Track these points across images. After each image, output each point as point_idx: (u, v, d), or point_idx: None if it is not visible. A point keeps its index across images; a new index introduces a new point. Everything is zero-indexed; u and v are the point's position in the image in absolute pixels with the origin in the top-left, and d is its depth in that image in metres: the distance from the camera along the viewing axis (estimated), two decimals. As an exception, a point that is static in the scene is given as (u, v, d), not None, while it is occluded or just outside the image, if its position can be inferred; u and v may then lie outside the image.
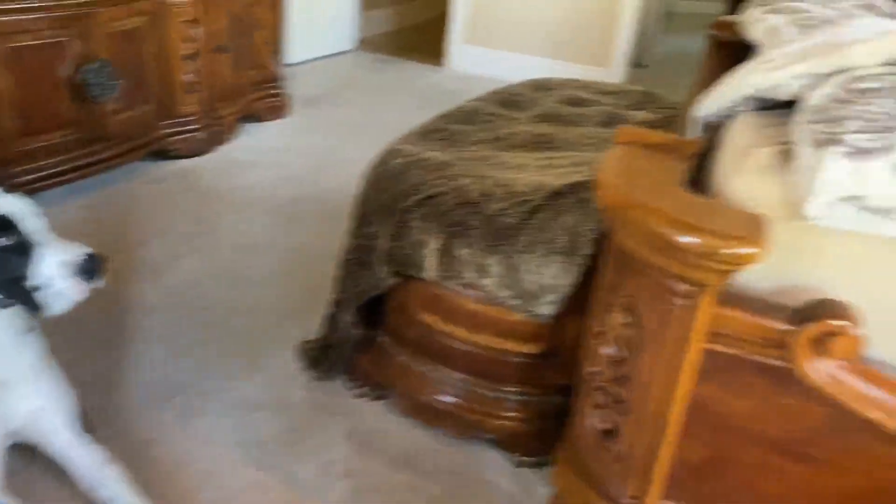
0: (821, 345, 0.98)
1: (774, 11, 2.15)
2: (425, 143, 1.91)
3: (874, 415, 0.99)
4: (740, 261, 0.96)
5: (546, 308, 1.57)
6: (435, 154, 1.81)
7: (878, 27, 1.49)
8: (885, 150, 1.00)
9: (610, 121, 2.19)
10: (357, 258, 1.79)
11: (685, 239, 0.97)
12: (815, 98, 1.20)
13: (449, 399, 1.77)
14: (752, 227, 0.98)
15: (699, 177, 1.32)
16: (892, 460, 1.03)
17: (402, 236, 1.66)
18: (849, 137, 1.02)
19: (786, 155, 1.19)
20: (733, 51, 2.46)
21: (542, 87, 2.49)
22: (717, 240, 0.95)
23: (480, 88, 2.63)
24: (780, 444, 1.08)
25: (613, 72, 4.60)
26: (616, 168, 1.17)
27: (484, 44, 4.91)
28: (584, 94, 2.41)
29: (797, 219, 1.07)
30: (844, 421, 1.02)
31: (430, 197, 1.64)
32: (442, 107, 2.28)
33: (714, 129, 1.58)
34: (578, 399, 1.29)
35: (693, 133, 1.59)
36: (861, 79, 1.21)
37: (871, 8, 2.39)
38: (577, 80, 2.63)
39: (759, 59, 1.50)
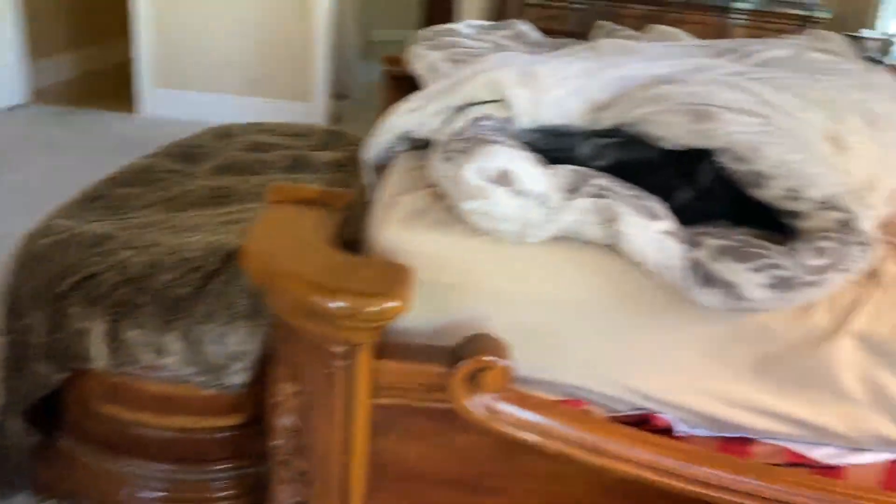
0: (475, 381, 1.01)
1: (435, 47, 2.27)
2: (84, 214, 1.72)
3: (533, 438, 1.04)
4: (385, 316, 0.95)
5: (237, 377, 1.48)
6: (93, 226, 1.63)
7: (506, 60, 1.62)
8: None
9: (295, 165, 2.16)
10: (13, 357, 1.55)
11: (328, 303, 0.94)
12: (445, 134, 1.25)
13: (152, 494, 1.59)
14: (393, 281, 0.98)
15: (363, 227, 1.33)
16: (559, 476, 1.10)
17: (61, 326, 1.47)
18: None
19: (434, 197, 1.23)
20: (411, 85, 2.57)
21: (223, 134, 2.38)
22: (359, 300, 0.94)
23: (177, 134, 2.45)
24: (462, 483, 1.11)
25: (315, 105, 4.61)
26: (263, 231, 1.12)
27: (177, 86, 4.66)
28: (268, 139, 2.35)
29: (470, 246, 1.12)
30: (510, 449, 1.07)
31: (88, 277, 1.47)
32: (137, 157, 2.08)
33: (383, 171, 1.61)
34: (270, 474, 1.22)
35: (367, 176, 1.60)
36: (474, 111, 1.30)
37: (517, 37, 2.63)
38: (261, 124, 2.57)
39: (408, 98, 1.55)
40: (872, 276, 1.12)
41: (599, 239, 1.11)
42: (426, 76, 2.09)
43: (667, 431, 1.17)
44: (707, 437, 1.19)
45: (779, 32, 4.26)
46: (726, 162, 1.16)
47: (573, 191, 1.11)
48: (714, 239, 1.07)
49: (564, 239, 1.12)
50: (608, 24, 2.68)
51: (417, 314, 1.09)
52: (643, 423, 1.17)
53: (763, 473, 1.08)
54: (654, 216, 1.08)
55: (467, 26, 2.76)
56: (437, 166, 1.18)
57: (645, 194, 1.12)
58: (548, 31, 4.00)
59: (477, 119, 1.28)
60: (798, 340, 1.11)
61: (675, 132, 1.21)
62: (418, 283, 1.04)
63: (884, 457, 1.16)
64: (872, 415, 1.12)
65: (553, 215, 1.09)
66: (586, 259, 1.13)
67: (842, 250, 1.05)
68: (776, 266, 1.02)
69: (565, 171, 1.15)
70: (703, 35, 4.21)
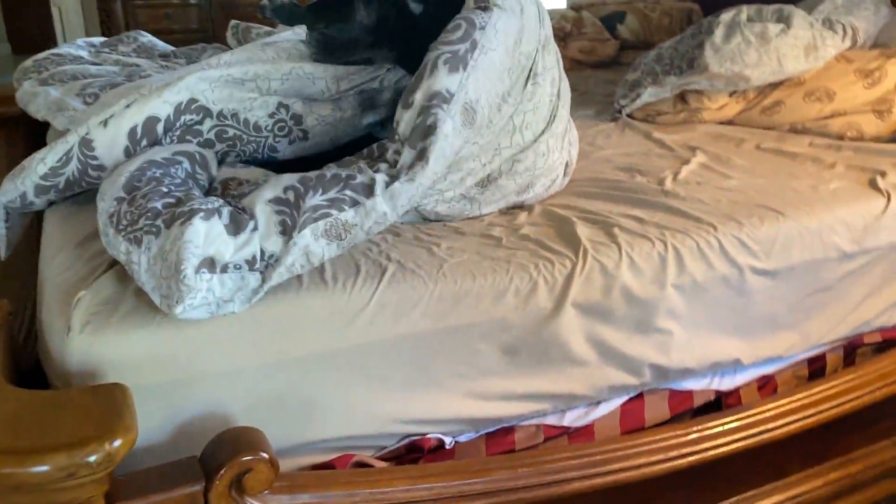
0: (240, 487, 0.88)
1: (49, 81, 1.94)
2: None
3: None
4: (112, 461, 0.77)
5: None
6: None
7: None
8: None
9: None
10: None
11: (30, 468, 0.73)
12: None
13: None
14: (108, 413, 0.80)
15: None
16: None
17: None
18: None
19: (120, 279, 1.03)
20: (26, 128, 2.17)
21: None
22: (72, 452, 0.74)
23: None
24: None
25: None
26: None
27: None
28: None
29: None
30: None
31: None
32: None
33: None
34: None
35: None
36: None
37: (143, 51, 2.37)
38: None
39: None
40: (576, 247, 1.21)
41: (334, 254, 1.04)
42: (51, 118, 1.77)
43: (439, 447, 1.15)
44: (473, 439, 1.20)
45: None
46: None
47: (285, 229, 1.00)
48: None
49: (281, 295, 1.02)
50: (243, 24, 2.53)
51: (148, 426, 0.92)
52: (414, 450, 1.14)
53: (530, 460, 1.12)
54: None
55: (79, 47, 2.40)
56: (119, 246, 0.99)
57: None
58: (168, 33, 3.72)
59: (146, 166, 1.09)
60: (530, 324, 1.15)
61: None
62: (135, 390, 0.87)
63: (616, 402, 1.28)
64: (603, 370, 1.22)
65: (272, 270, 0.98)
66: (304, 311, 1.04)
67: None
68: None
69: (262, 205, 1.03)
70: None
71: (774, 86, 1.89)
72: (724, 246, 1.28)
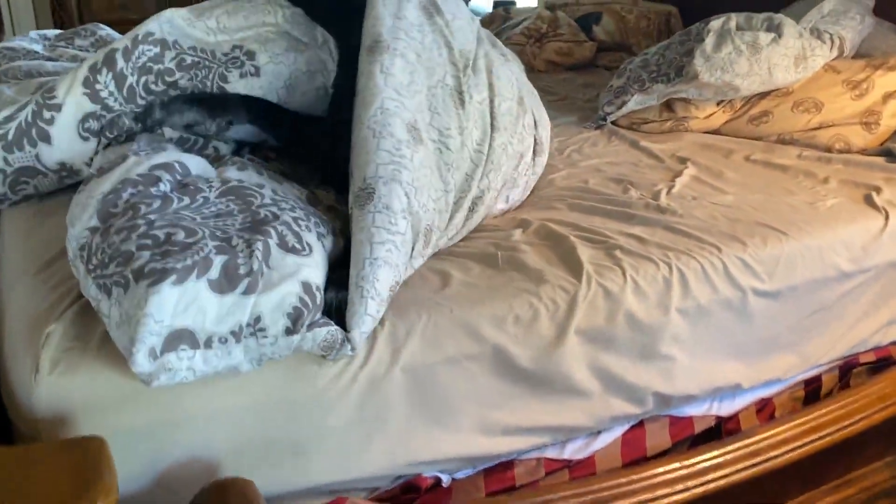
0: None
1: (1, 79, 1.80)
2: None
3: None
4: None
5: None
6: None
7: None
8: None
9: None
10: None
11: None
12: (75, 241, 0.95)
13: None
14: (85, 469, 0.71)
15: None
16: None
17: None
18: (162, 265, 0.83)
19: (88, 312, 0.94)
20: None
21: None
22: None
23: None
24: None
25: None
26: None
27: None
28: None
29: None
30: None
31: None
32: None
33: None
34: None
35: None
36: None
37: (100, 45, 2.23)
38: None
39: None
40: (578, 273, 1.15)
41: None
42: None
43: (436, 486, 1.08)
44: (471, 475, 1.13)
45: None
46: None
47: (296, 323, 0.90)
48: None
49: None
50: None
51: (128, 474, 0.83)
52: (409, 490, 1.06)
53: (532, 499, 1.06)
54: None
55: (32, 41, 2.25)
56: (89, 289, 0.89)
57: None
58: (125, 24, 3.54)
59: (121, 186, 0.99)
60: (533, 354, 1.09)
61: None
62: (112, 435, 0.78)
63: (617, 432, 1.23)
64: (607, 400, 1.16)
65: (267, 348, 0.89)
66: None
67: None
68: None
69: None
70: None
71: (762, 95, 1.86)
72: (728, 268, 1.23)
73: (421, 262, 1.12)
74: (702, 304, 1.21)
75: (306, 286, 0.91)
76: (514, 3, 3.59)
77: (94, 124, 1.25)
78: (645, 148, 1.78)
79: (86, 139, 1.25)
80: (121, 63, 1.27)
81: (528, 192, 1.49)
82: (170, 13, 1.34)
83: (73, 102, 1.23)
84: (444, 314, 1.05)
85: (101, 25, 2.37)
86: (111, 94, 1.26)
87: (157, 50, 1.30)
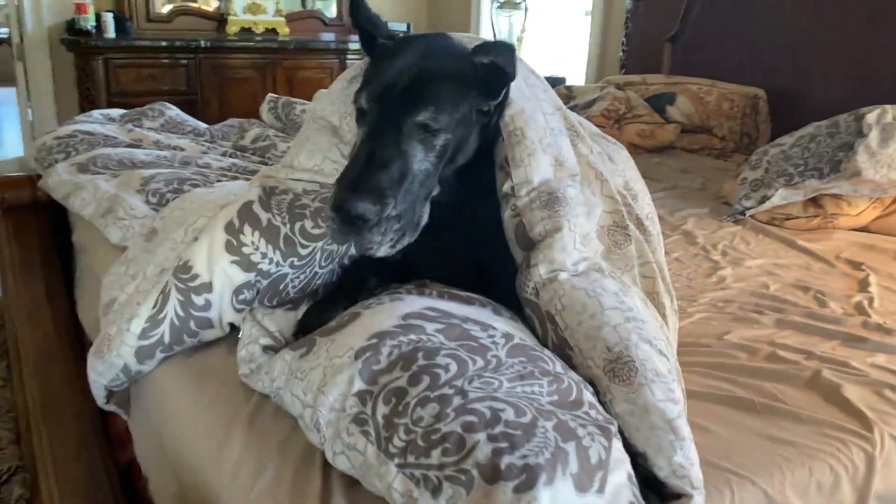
0: None
1: (85, 166, 1.60)
2: None
3: None
4: None
5: None
6: None
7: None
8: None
9: None
10: None
11: None
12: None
13: None
14: None
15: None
16: None
17: None
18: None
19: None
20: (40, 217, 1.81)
21: None
22: None
23: None
24: None
25: None
26: None
27: None
28: None
29: None
30: None
31: None
32: None
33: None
34: None
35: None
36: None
37: (173, 126, 2.05)
38: None
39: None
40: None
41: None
42: (101, 221, 1.43)
43: None
44: None
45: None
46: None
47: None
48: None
49: None
50: (282, 98, 2.24)
51: None
52: None
53: None
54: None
55: (96, 121, 2.05)
56: (388, 476, 0.67)
57: None
58: (156, 94, 3.38)
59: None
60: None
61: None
62: None
63: None
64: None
65: None
66: None
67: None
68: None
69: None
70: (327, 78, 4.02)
71: (913, 191, 1.74)
72: None
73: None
74: None
75: (629, 476, 0.71)
76: (564, 79, 3.50)
77: (248, 295, 1.01)
78: (805, 248, 1.63)
79: (240, 310, 1.02)
80: (264, 214, 1.02)
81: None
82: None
83: (222, 275, 0.99)
84: (746, 487, 0.85)
85: (168, 105, 2.18)
86: (264, 255, 1.00)
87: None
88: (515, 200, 0.93)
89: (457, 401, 0.67)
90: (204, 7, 4.03)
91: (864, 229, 1.78)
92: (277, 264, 1.01)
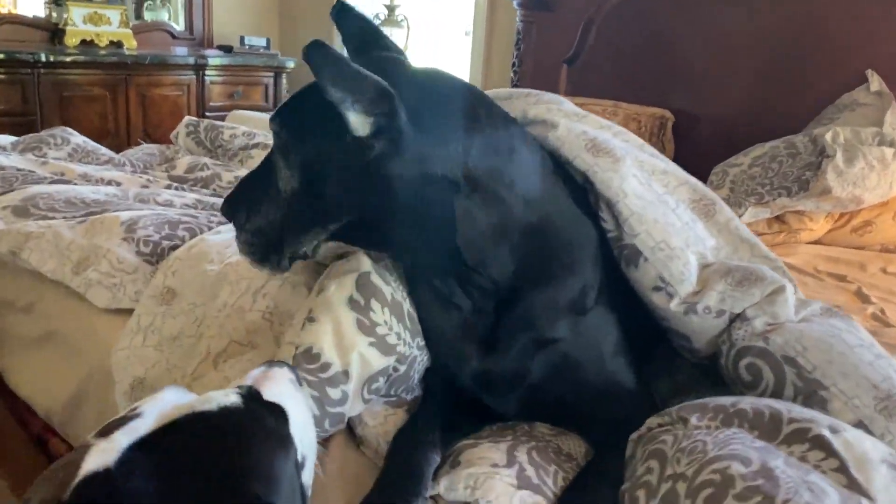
0: None
1: (30, 211, 1.29)
2: None
3: None
4: None
5: None
6: None
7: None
8: None
9: None
10: None
11: None
12: None
13: None
14: None
15: None
16: None
17: None
18: None
19: None
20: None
21: None
22: None
23: None
24: None
25: None
26: None
27: None
28: None
29: None
30: None
31: None
32: None
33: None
34: None
35: None
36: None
37: (80, 154, 1.74)
38: None
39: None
40: None
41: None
42: (73, 280, 1.13)
43: None
44: None
45: (255, 84, 4.05)
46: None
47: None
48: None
49: None
50: (204, 122, 1.97)
51: None
52: None
53: None
54: None
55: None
56: None
57: None
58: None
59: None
60: None
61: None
62: None
63: None
64: None
65: None
66: None
67: None
68: None
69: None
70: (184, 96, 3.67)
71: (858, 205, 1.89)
72: None
73: None
74: None
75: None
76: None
77: (381, 383, 0.85)
78: (788, 264, 1.70)
79: (367, 402, 0.87)
80: (385, 288, 0.87)
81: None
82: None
83: (358, 362, 0.82)
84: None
85: (70, 130, 1.83)
86: (399, 336, 0.85)
87: None
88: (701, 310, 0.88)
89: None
90: (34, 15, 3.51)
91: (818, 242, 1.90)
92: (409, 345, 0.87)
